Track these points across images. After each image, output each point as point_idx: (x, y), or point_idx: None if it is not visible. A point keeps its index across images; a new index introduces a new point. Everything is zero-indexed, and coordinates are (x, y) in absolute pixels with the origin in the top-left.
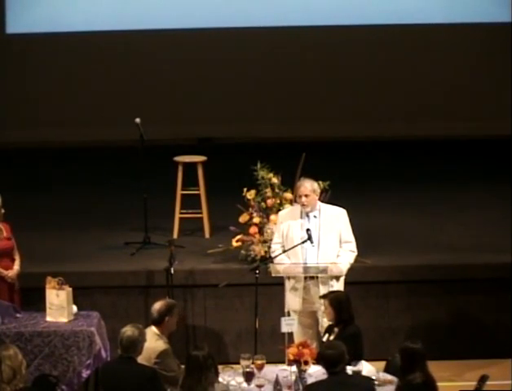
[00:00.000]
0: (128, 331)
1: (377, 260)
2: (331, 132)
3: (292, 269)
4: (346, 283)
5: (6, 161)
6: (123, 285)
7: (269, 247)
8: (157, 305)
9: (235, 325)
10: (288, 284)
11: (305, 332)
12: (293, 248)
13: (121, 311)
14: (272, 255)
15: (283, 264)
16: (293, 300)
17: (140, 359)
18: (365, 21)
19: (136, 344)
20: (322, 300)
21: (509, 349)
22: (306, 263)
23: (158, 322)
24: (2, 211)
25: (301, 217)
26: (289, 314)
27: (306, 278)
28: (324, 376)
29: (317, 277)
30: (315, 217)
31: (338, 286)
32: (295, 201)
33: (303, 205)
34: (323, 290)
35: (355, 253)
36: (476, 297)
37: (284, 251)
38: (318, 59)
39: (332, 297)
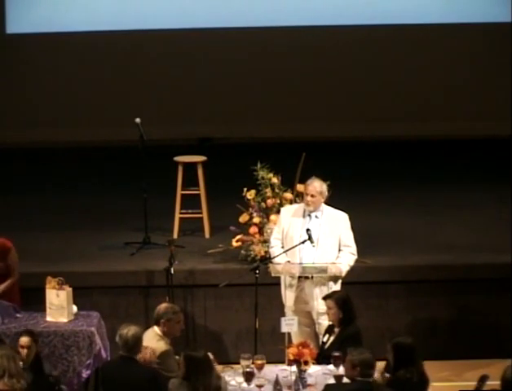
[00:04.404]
0: (131, 330)
1: (377, 260)
2: (331, 132)
3: (291, 268)
4: (346, 284)
5: (6, 161)
6: (123, 285)
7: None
8: (163, 307)
9: (235, 325)
10: (284, 281)
11: (302, 332)
12: (293, 247)
13: (121, 311)
14: (271, 250)
15: (280, 264)
16: (289, 297)
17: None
18: (365, 21)
19: (140, 343)
20: (318, 301)
21: (509, 349)
22: (301, 263)
23: (159, 323)
24: None
25: (303, 217)
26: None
27: (301, 277)
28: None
29: (312, 277)
30: (316, 217)
31: (336, 287)
32: (295, 201)
33: (307, 204)
34: (319, 290)
35: (355, 256)
36: (476, 297)
37: (285, 251)
38: (318, 59)
39: (337, 298)
